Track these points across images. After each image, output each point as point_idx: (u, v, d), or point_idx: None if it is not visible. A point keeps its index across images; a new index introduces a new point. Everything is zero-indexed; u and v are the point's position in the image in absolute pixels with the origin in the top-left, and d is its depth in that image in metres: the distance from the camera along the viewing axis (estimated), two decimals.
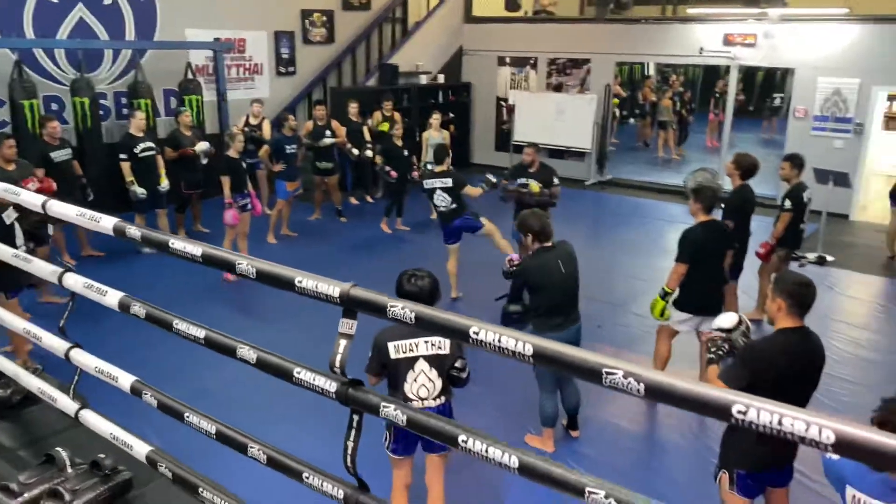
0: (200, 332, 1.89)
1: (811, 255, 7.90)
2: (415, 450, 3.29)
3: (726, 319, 3.28)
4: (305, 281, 1.61)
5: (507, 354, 1.32)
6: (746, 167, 5.62)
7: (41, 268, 2.41)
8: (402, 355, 3.15)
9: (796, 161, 6.18)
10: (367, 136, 9.49)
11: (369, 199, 10.37)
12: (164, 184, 7.54)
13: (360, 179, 10.51)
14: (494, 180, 6.82)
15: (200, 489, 2.09)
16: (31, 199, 2.32)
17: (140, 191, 7.32)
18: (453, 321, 1.42)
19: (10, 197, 2.41)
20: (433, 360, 3.15)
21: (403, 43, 12.59)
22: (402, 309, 1.47)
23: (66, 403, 2.52)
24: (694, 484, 3.98)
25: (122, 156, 7.28)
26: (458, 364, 3.19)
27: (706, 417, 4.54)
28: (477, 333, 1.35)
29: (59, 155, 6.73)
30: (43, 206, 2.27)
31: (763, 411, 1.07)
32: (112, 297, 2.14)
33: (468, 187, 6.49)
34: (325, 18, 11.83)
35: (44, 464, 2.52)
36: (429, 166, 9.19)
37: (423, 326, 1.47)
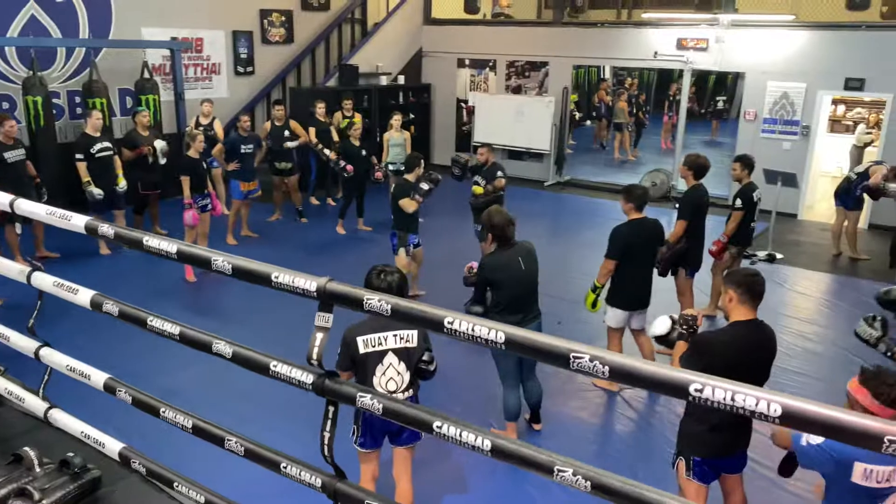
0: (175, 329, 1.92)
1: (761, 253, 8.20)
2: (381, 443, 3.35)
3: (660, 326, 3.41)
4: (282, 276, 1.66)
5: (481, 342, 1.39)
6: (698, 167, 5.81)
7: (8, 267, 2.40)
8: (371, 349, 3.20)
9: (746, 162, 6.43)
10: (336, 137, 9.48)
11: (331, 201, 10.35)
12: (122, 184, 7.44)
13: (322, 180, 10.48)
14: (426, 188, 6.25)
15: (175, 483, 2.12)
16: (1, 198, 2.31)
17: (97, 191, 7.20)
18: (428, 313, 1.49)
19: None
20: (402, 354, 3.21)
21: (363, 44, 12.60)
22: (379, 301, 1.53)
23: (35, 403, 2.51)
24: (652, 472, 4.12)
25: (79, 156, 7.15)
26: (425, 357, 3.26)
27: (661, 411, 4.69)
28: (451, 323, 1.43)
29: (13, 155, 6.59)
30: (10, 205, 2.26)
31: (717, 389, 1.17)
32: (84, 296, 2.15)
33: (404, 200, 6.15)
34: (283, 18, 11.77)
35: (11, 464, 2.50)
36: (390, 167, 9.25)
37: (399, 318, 1.53)
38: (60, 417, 2.46)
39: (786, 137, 10.21)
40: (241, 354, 1.80)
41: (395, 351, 3.20)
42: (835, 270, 8.13)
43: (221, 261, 1.75)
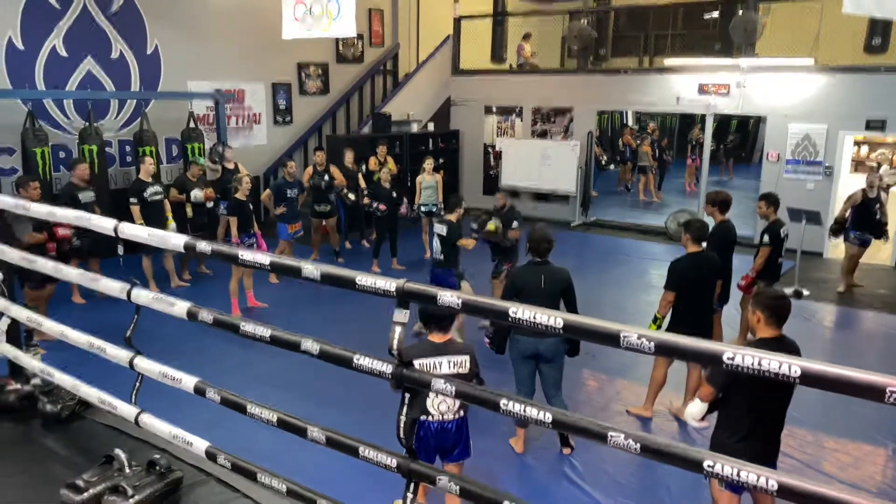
0: (266, 332, 2.20)
1: (788, 290, 8.29)
2: (434, 460, 3.55)
3: (697, 412, 3.53)
4: (365, 279, 1.94)
5: (541, 328, 1.65)
6: (721, 202, 6.03)
7: (109, 286, 2.71)
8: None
9: (771, 199, 6.62)
10: (363, 184, 9.89)
11: (365, 242, 10.70)
12: (172, 226, 7.84)
13: (354, 223, 10.86)
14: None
15: (258, 475, 2.36)
16: (103, 223, 2.63)
17: None
18: (495, 304, 1.75)
19: (83, 223, 2.72)
20: (454, 379, 3.44)
21: (395, 93, 13.14)
22: (451, 297, 1.80)
23: (126, 410, 2.79)
24: (686, 489, 4.26)
25: (133, 200, 7.59)
26: (480, 384, 3.48)
27: (694, 436, 4.85)
28: (515, 313, 1.69)
29: (86, 196, 7.12)
30: (115, 230, 2.59)
31: (746, 356, 1.41)
32: (180, 308, 2.44)
33: (463, 240, 6.59)
34: (320, 71, 12.36)
35: (103, 465, 2.77)
36: (423, 208, 9.62)
37: (468, 311, 1.80)
38: (150, 421, 2.72)
39: (809, 178, 10.41)
40: (326, 351, 2.06)
41: (449, 376, 3.43)
42: (860, 307, 8.22)
43: (312, 268, 2.03)
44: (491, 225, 7.02)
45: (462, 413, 3.52)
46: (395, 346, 1.89)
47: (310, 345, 2.09)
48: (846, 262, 8.77)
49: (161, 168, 9.89)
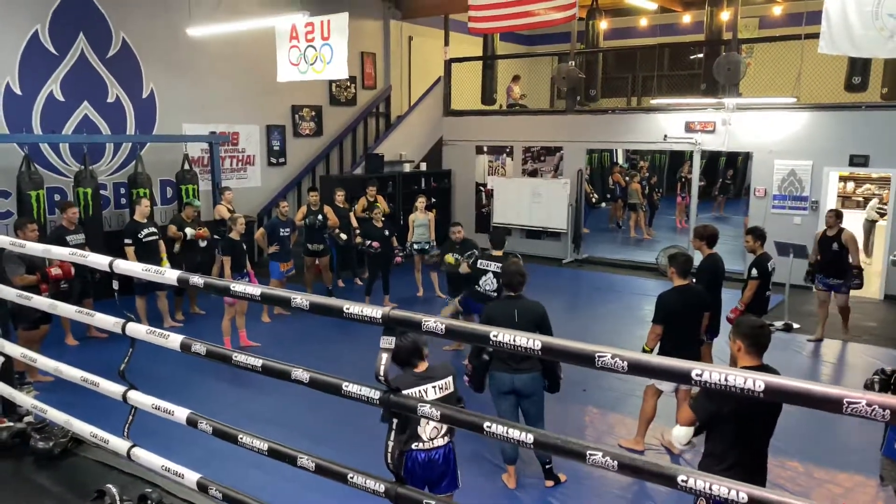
0: (258, 362, 2.26)
1: (778, 323, 8.39)
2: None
3: (683, 436, 3.61)
4: (352, 308, 2.01)
5: (521, 350, 1.72)
6: (709, 236, 6.14)
7: (104, 320, 2.77)
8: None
9: (758, 233, 6.73)
10: (354, 223, 9.98)
11: (358, 280, 10.76)
12: (166, 266, 7.90)
13: (346, 262, 10.93)
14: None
15: None
16: (98, 260, 2.71)
17: None
18: (476, 329, 1.82)
19: (78, 259, 2.79)
20: (441, 403, 3.49)
21: (387, 135, 13.35)
22: (435, 323, 1.86)
23: (118, 444, 2.82)
24: None
25: (128, 241, 7.66)
26: (459, 402, 3.55)
27: (684, 462, 4.85)
28: (496, 336, 1.75)
29: (74, 239, 7.14)
30: (110, 266, 2.66)
31: (714, 372, 1.48)
32: (174, 341, 2.50)
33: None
34: (313, 113, 12.58)
35: (95, 500, 2.79)
36: (415, 246, 9.71)
37: (452, 336, 1.86)
38: (142, 455, 2.75)
39: (796, 213, 10.57)
40: (317, 379, 2.12)
41: (436, 401, 3.49)
42: (850, 339, 8.28)
43: (301, 299, 2.10)
44: (449, 258, 7.46)
45: (450, 437, 3.56)
46: (381, 372, 1.95)
47: (300, 373, 2.15)
48: (817, 309, 8.35)
49: (155, 209, 9.97)
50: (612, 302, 10.06)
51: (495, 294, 6.52)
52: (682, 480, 1.56)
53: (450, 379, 3.54)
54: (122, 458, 2.92)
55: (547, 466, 4.78)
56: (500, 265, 6.54)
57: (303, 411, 5.74)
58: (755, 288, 6.49)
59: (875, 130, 9.89)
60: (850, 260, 7.77)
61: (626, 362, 1.58)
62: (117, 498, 2.77)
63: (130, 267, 2.63)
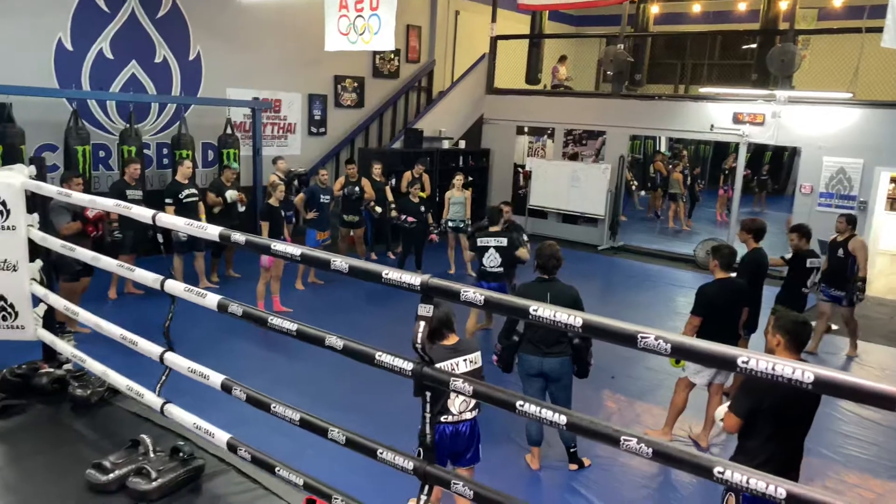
0: (293, 326, 2.26)
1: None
2: (446, 465, 3.58)
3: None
4: (391, 273, 1.99)
5: (561, 327, 1.69)
6: (756, 229, 6.01)
7: (143, 276, 2.80)
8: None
9: (803, 231, 6.59)
10: (390, 196, 9.98)
11: (391, 254, 10.79)
12: None
13: (380, 236, 10.96)
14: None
15: (277, 468, 2.41)
16: (142, 212, 2.73)
17: (182, 234, 7.79)
18: (516, 302, 1.80)
19: (122, 211, 2.82)
20: (470, 376, 3.49)
21: (428, 110, 13.29)
22: (473, 293, 1.84)
23: (152, 399, 2.87)
24: None
25: (168, 200, 7.78)
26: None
27: (711, 454, 4.79)
28: (536, 311, 1.72)
29: (133, 194, 7.44)
30: (153, 219, 2.68)
31: (761, 360, 1.43)
32: (211, 300, 2.52)
33: (521, 250, 6.79)
34: (356, 84, 12.57)
35: (129, 448, 2.85)
36: (450, 223, 9.68)
37: (490, 308, 1.84)
38: (174, 411, 2.80)
39: (843, 212, 10.25)
40: (350, 347, 2.11)
41: (466, 374, 3.48)
42: (890, 343, 8.08)
43: (340, 262, 2.09)
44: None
45: (478, 410, 3.57)
46: (419, 340, 1.94)
47: (334, 340, 2.14)
48: (816, 319, 7.49)
49: (196, 172, 10.08)
50: (646, 291, 9.94)
51: (501, 270, 6.60)
52: (719, 472, 1.52)
53: (478, 353, 3.56)
54: (156, 412, 2.97)
55: (572, 450, 4.77)
56: (500, 240, 6.64)
57: (330, 378, 5.80)
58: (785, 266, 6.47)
59: None
60: (858, 270, 7.27)
61: (669, 344, 1.53)
62: (150, 448, 2.82)
63: (173, 221, 2.65)
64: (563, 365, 4.59)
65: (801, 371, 1.39)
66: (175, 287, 2.69)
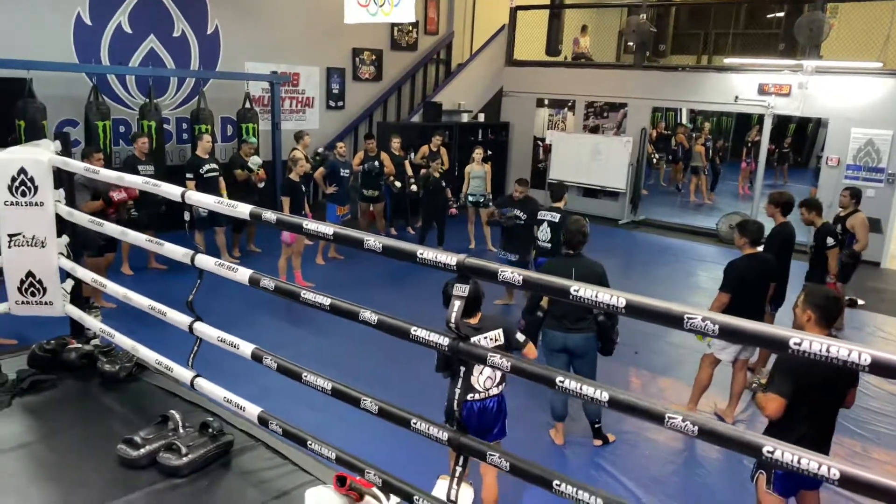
0: (326, 301, 2.24)
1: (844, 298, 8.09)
2: None
3: None
4: (426, 253, 1.95)
5: (602, 307, 1.65)
6: (785, 203, 5.90)
7: (173, 251, 2.79)
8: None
9: (812, 204, 6.38)
10: (409, 171, 9.92)
11: (410, 229, 10.76)
12: None
13: (400, 210, 10.93)
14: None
15: (308, 442, 2.41)
16: (171, 190, 2.71)
17: (202, 209, 7.78)
18: (555, 283, 1.75)
19: (151, 188, 2.81)
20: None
21: (447, 83, 13.15)
22: (511, 274, 1.80)
23: (182, 373, 2.87)
24: (730, 490, 4.20)
25: (189, 175, 7.78)
26: (520, 338, 3.57)
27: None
28: (577, 291, 1.68)
29: (145, 169, 7.38)
30: (182, 196, 2.66)
31: (814, 342, 1.38)
32: (242, 274, 2.50)
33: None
34: (374, 57, 12.44)
35: (159, 424, 2.87)
36: (470, 198, 9.62)
37: (529, 288, 1.80)
38: (205, 385, 2.80)
39: (870, 185, 10.08)
40: (385, 322, 2.09)
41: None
42: None
43: (374, 241, 2.06)
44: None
45: (503, 386, 3.55)
46: (453, 319, 1.91)
47: (368, 315, 2.12)
48: None
49: (216, 147, 10.08)
50: (667, 266, 9.85)
51: (549, 245, 6.49)
52: (769, 451, 1.49)
53: (500, 331, 3.50)
54: (185, 387, 2.98)
55: (596, 426, 4.75)
56: (556, 215, 6.52)
57: (352, 353, 5.81)
58: (836, 255, 6.20)
59: None
60: (854, 246, 6.95)
61: (717, 325, 1.49)
62: (180, 424, 2.83)
63: (202, 199, 2.63)
64: (588, 341, 4.55)
65: (858, 353, 1.34)
66: (206, 262, 2.67)
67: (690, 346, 6.08)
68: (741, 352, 5.08)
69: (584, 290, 1.68)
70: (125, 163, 7.78)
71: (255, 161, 8.29)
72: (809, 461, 1.43)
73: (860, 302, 8.16)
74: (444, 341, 1.97)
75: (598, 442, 4.77)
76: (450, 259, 1.91)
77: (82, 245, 5.94)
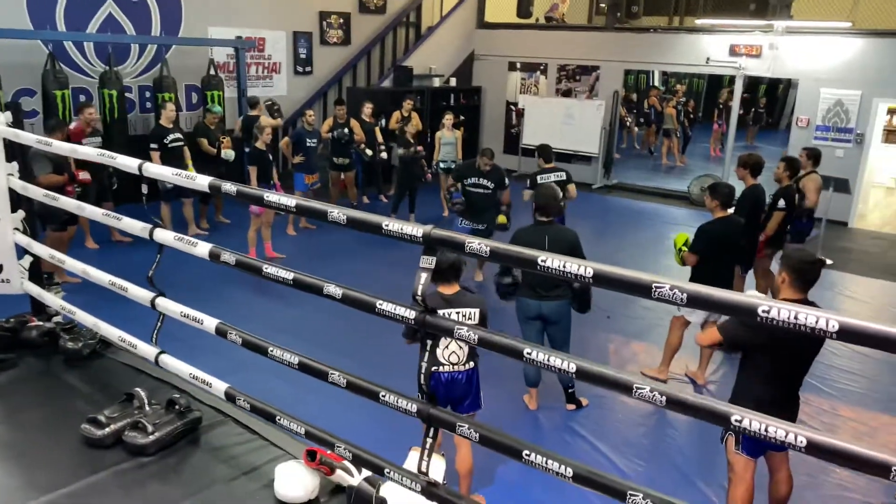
0: (289, 275, 2.18)
1: None
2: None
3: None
4: (391, 225, 1.90)
5: (571, 277, 1.62)
6: (753, 164, 5.90)
7: (131, 225, 2.70)
8: None
9: (791, 163, 6.44)
10: (380, 138, 9.77)
11: (383, 197, 10.65)
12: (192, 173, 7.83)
13: (372, 178, 10.80)
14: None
15: (277, 417, 2.37)
16: (127, 162, 2.61)
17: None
18: (524, 253, 1.71)
19: (107, 161, 2.70)
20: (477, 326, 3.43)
21: (417, 46, 12.93)
22: (479, 245, 1.76)
23: (147, 349, 2.81)
24: (701, 452, 4.27)
25: (153, 145, 7.57)
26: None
27: (707, 391, 4.77)
28: (545, 261, 1.65)
29: (91, 141, 7.07)
30: (139, 168, 2.57)
31: (782, 309, 1.36)
32: (202, 248, 2.43)
33: (571, 186, 6.92)
34: (341, 20, 12.17)
35: (124, 402, 2.80)
36: (441, 164, 9.53)
37: (497, 259, 1.76)
38: (170, 361, 2.74)
39: (839, 145, 10.18)
40: (349, 296, 2.04)
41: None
42: (886, 277, 8.11)
43: (337, 213, 2.00)
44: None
45: (472, 364, 3.52)
46: (419, 292, 1.87)
47: (332, 289, 2.07)
48: None
49: (180, 115, 9.84)
50: (641, 230, 9.90)
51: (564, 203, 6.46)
52: (737, 420, 1.48)
53: (476, 311, 3.43)
54: (150, 363, 2.91)
55: (570, 391, 4.79)
56: (561, 173, 6.86)
57: (321, 323, 5.76)
58: (780, 220, 6.22)
59: None
60: (804, 203, 6.79)
61: (685, 294, 1.47)
62: (146, 401, 2.77)
63: (160, 171, 2.54)
64: (562, 307, 4.56)
65: (826, 320, 1.33)
66: (164, 236, 2.59)
67: (663, 309, 6.12)
68: (711, 314, 5.12)
69: (551, 261, 1.64)
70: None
71: (227, 155, 8.06)
72: (777, 429, 1.42)
73: (828, 262, 8.29)
74: (411, 314, 1.93)
75: (572, 406, 4.80)
76: (416, 230, 1.86)
77: (43, 219, 5.80)
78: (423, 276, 1.87)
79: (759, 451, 3.35)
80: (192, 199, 8.12)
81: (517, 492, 3.91)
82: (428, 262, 1.87)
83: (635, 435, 4.63)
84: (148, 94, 9.76)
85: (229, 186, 2.29)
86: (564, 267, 1.62)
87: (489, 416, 4.30)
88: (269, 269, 2.24)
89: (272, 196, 2.17)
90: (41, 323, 3.46)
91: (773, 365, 3.19)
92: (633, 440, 4.56)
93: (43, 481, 2.36)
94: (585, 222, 9.82)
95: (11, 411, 2.90)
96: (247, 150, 8.57)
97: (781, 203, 6.22)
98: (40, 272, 3.59)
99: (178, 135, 7.87)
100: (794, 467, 3.54)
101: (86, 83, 9.18)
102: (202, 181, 2.36)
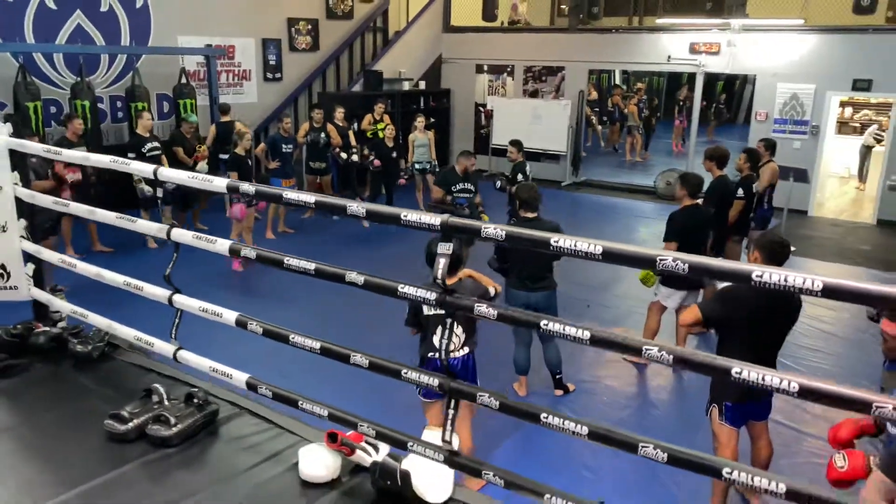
0: (311, 266, 2.33)
1: None
2: (441, 396, 3.73)
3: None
4: (410, 215, 2.06)
5: (581, 256, 1.80)
6: (719, 157, 6.19)
7: (148, 226, 2.82)
8: (432, 312, 3.59)
9: (752, 154, 6.78)
10: (353, 141, 9.89)
11: (359, 199, 10.76)
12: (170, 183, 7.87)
13: (347, 181, 10.89)
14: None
15: (300, 402, 2.51)
16: (142, 167, 2.73)
17: (147, 188, 7.65)
18: (537, 236, 1.90)
19: (120, 167, 2.81)
20: (460, 317, 3.60)
21: (386, 51, 13.08)
22: (494, 230, 1.93)
23: (164, 347, 2.92)
24: (685, 430, 4.51)
25: (131, 155, 7.56)
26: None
27: (690, 379, 4.99)
28: (557, 242, 1.83)
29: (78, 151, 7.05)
30: (154, 173, 2.69)
31: (774, 274, 1.56)
32: (221, 245, 2.56)
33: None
34: (310, 27, 12.26)
35: (143, 398, 2.91)
36: (416, 166, 9.69)
37: (512, 242, 1.94)
38: (189, 356, 2.86)
39: (796, 137, 10.60)
40: (372, 282, 2.20)
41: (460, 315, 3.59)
42: (844, 261, 8.51)
43: (356, 206, 2.15)
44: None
45: (468, 349, 3.69)
46: (439, 276, 2.03)
47: (354, 276, 2.22)
48: None
49: (153, 125, 9.83)
50: (611, 224, 10.19)
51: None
52: (737, 372, 1.65)
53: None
54: (158, 361, 3.02)
55: (557, 376, 4.99)
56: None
57: (317, 325, 5.88)
58: (741, 208, 6.49)
59: (880, 55, 9.83)
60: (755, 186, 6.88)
61: (686, 264, 1.66)
62: (165, 396, 2.88)
63: (176, 175, 2.66)
64: (549, 298, 4.81)
65: (812, 280, 1.53)
66: (183, 235, 2.71)
67: (637, 297, 6.38)
68: (686, 298, 5.38)
69: (563, 241, 1.82)
70: (57, 145, 7.49)
71: (202, 168, 8.12)
72: (772, 377, 1.61)
73: (791, 248, 8.66)
74: (432, 296, 2.09)
75: (559, 392, 5.01)
76: (434, 219, 2.03)
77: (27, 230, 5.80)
78: (443, 262, 2.04)
79: (741, 421, 3.59)
80: (171, 206, 8.15)
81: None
82: (445, 248, 2.04)
83: (621, 416, 4.86)
84: (120, 104, 9.74)
85: (247, 187, 2.43)
86: (576, 246, 1.80)
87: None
88: (291, 261, 2.38)
89: (291, 193, 2.31)
90: (48, 328, 3.53)
91: (752, 338, 3.43)
92: (619, 421, 4.77)
93: (73, 476, 2.45)
94: (557, 218, 9.83)
95: (30, 413, 2.99)
96: (222, 156, 8.66)
97: (740, 192, 6.50)
98: (43, 278, 3.67)
99: (156, 143, 7.92)
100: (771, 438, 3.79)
101: (57, 95, 9.14)
102: (219, 183, 2.50)
